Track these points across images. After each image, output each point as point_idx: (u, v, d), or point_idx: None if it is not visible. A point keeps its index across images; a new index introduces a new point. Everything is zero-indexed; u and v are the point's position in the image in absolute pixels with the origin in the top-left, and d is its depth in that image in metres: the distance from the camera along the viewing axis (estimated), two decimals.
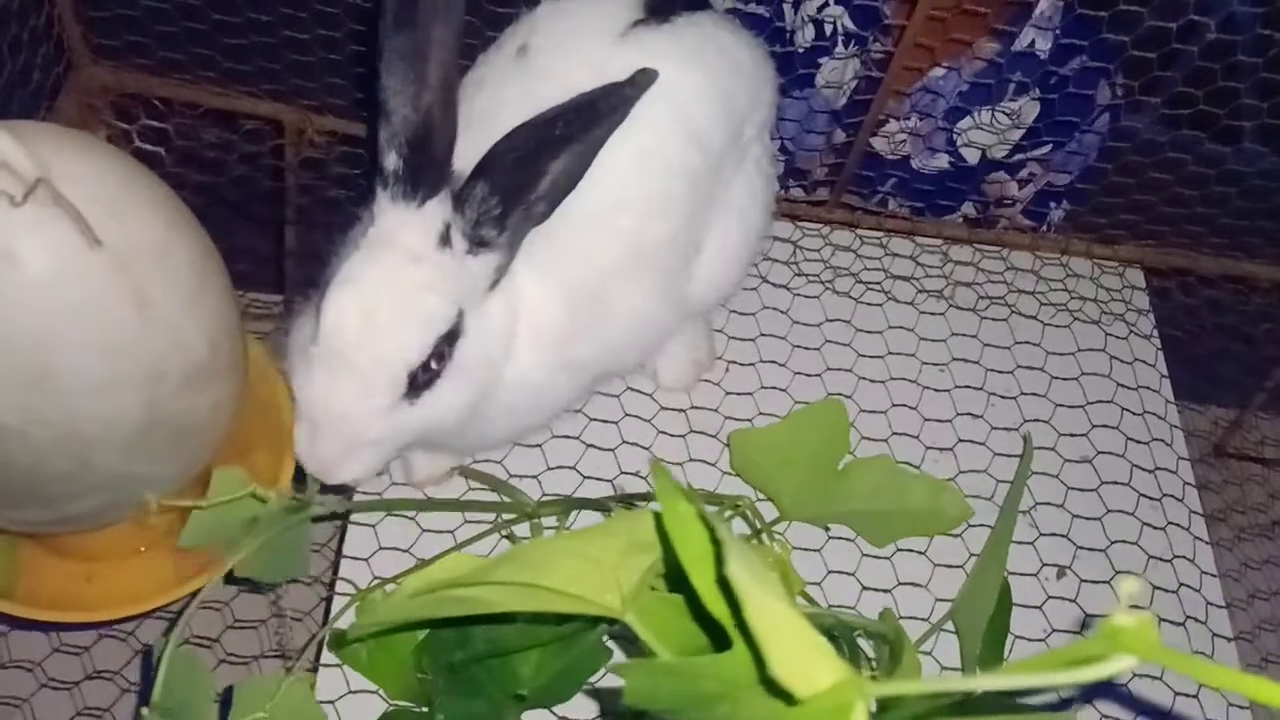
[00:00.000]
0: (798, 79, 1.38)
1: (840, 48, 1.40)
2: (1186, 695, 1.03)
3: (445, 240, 0.83)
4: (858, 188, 1.39)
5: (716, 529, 0.43)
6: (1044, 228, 1.49)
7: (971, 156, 1.45)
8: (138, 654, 1.17)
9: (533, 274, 0.89)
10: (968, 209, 1.52)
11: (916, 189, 1.44)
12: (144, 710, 0.73)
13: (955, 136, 1.44)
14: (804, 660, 0.36)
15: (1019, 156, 1.45)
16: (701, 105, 0.94)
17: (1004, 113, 1.40)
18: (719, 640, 0.44)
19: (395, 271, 0.82)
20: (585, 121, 0.81)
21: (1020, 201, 1.50)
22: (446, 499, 1.02)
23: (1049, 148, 1.44)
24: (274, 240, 1.50)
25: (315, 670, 0.94)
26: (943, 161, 1.47)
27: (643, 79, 0.83)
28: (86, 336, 0.73)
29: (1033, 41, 1.37)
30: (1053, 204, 1.51)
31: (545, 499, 1.04)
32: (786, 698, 0.37)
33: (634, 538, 0.54)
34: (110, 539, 0.95)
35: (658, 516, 0.53)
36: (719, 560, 0.42)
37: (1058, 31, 1.36)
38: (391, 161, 0.82)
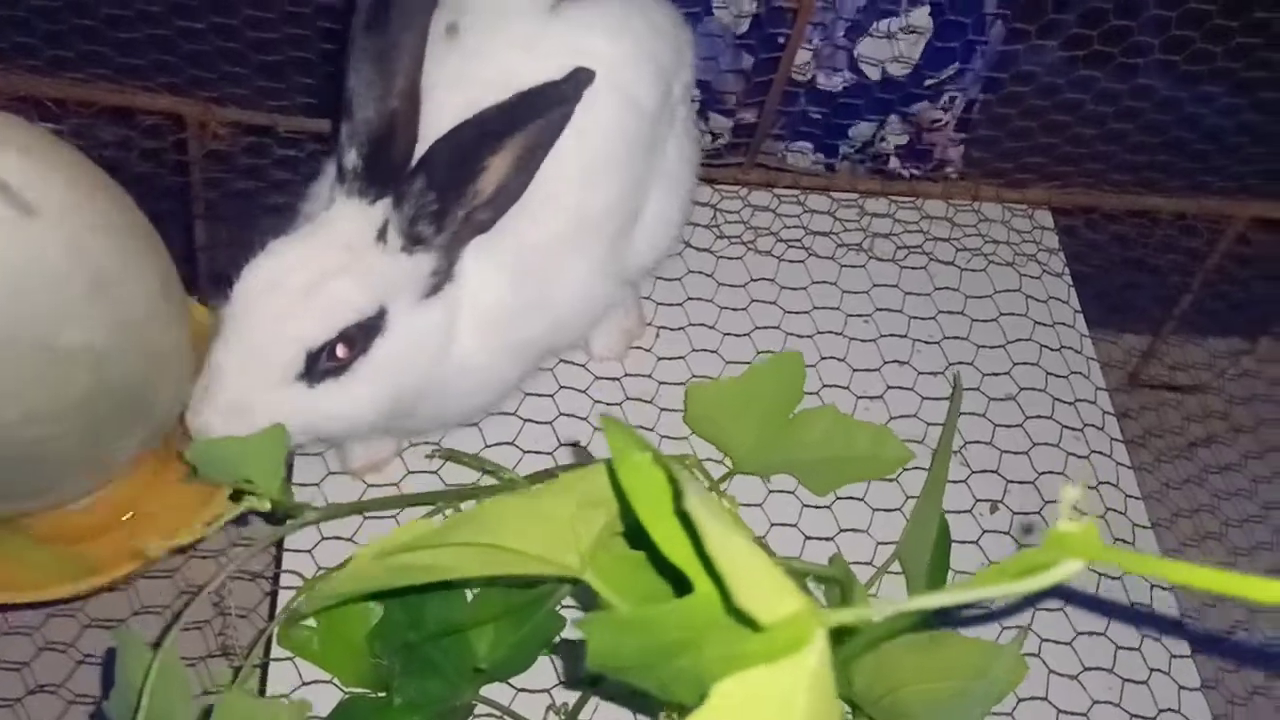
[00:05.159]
0: (692, 15, 1.34)
1: None
2: (1121, 606, 1.08)
3: (382, 236, 0.83)
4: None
5: (671, 470, 0.44)
6: (948, 170, 1.51)
7: (873, 74, 1.44)
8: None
9: (476, 256, 0.88)
10: (900, 136, 1.51)
11: (821, 115, 1.43)
12: (104, 704, 0.71)
13: (856, 53, 1.43)
14: (766, 589, 0.37)
15: (930, 81, 1.45)
16: (633, 70, 0.94)
17: (899, 24, 1.39)
18: (681, 591, 0.45)
19: (319, 252, 0.82)
20: (520, 116, 0.81)
21: (948, 123, 1.50)
22: (430, 493, 1.00)
23: (954, 67, 1.43)
24: (183, 238, 1.46)
25: (264, 666, 0.92)
26: (845, 79, 1.45)
27: (579, 78, 0.82)
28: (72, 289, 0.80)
29: None
30: (949, 144, 1.52)
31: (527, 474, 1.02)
32: (750, 629, 0.37)
33: (587, 494, 0.54)
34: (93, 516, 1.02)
35: (610, 468, 0.53)
36: (676, 505, 0.43)
37: None
38: (350, 160, 0.83)
